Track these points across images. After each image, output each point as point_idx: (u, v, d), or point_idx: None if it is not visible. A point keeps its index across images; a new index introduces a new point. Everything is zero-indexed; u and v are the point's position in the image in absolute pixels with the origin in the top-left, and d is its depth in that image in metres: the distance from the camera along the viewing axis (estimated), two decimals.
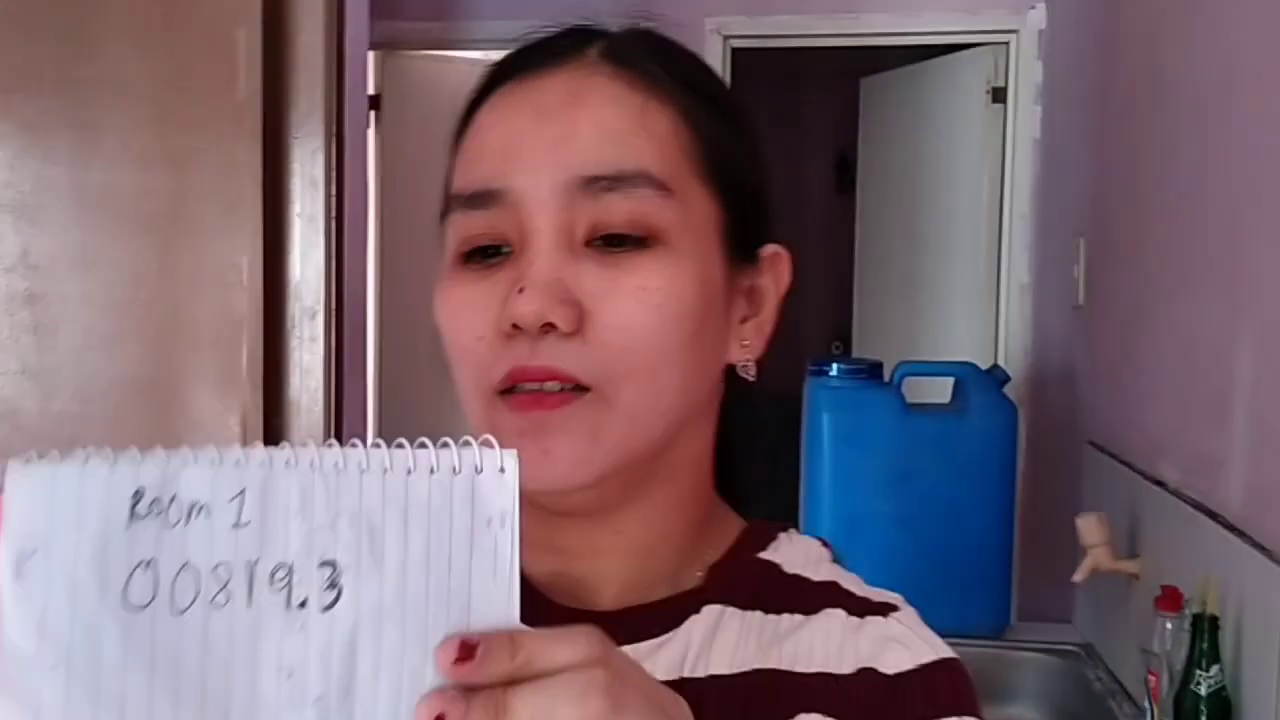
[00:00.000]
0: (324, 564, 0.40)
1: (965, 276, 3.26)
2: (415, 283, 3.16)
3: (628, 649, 0.61)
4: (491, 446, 0.41)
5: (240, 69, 1.77)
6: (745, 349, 0.66)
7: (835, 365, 2.41)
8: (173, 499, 0.40)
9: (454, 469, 0.41)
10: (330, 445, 0.40)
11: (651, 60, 0.63)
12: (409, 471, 0.40)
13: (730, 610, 0.64)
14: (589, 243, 0.60)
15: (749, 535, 0.69)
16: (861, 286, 3.82)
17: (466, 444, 0.41)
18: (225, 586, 0.39)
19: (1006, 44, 3.17)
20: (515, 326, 0.58)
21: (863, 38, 3.32)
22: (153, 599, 0.39)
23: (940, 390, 2.47)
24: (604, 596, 0.65)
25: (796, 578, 0.67)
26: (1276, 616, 1.48)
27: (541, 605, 0.64)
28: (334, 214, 1.87)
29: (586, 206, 0.59)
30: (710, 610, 0.64)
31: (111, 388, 1.79)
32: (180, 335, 1.79)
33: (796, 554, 0.68)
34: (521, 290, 0.58)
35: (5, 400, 1.76)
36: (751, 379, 0.67)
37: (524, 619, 0.63)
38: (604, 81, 0.62)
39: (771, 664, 0.62)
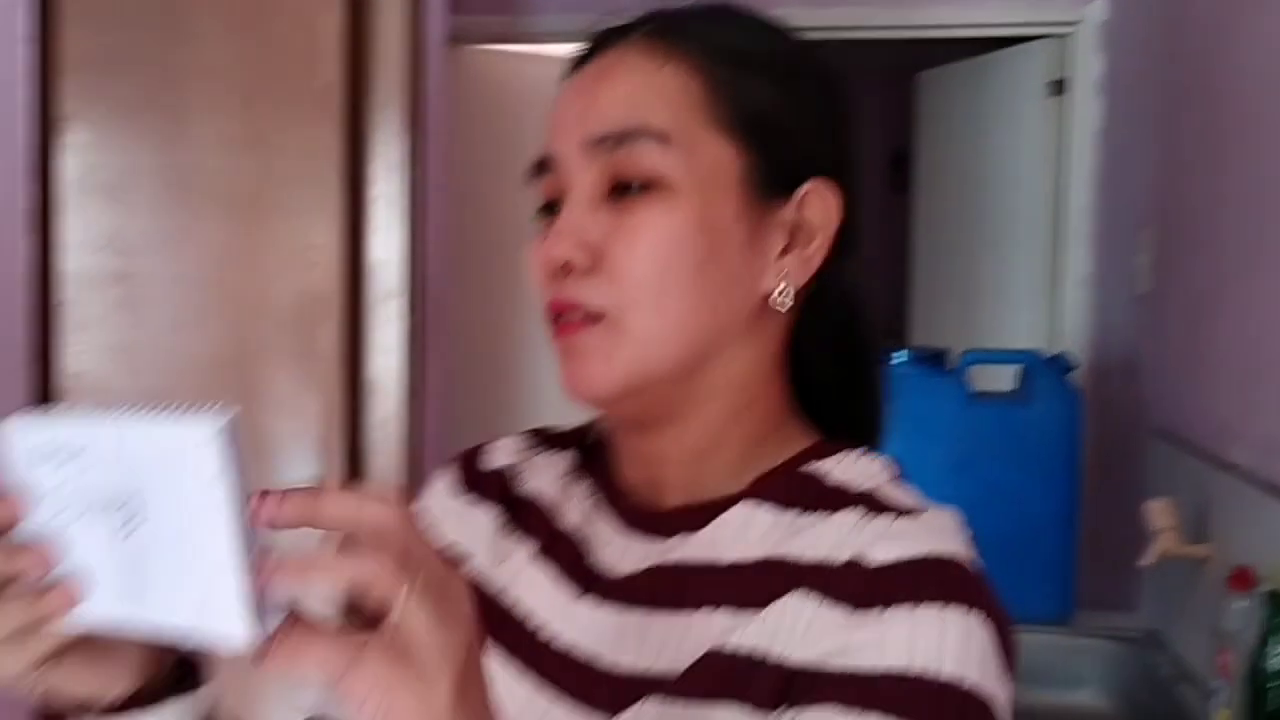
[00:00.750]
0: (124, 493, 0.54)
1: (1023, 271, 3.26)
2: (481, 266, 3.21)
3: (675, 540, 0.73)
4: (214, 414, 0.52)
5: (323, 55, 1.82)
6: (782, 279, 0.72)
7: (900, 353, 2.42)
8: (61, 447, 0.55)
9: (189, 434, 0.52)
10: (128, 410, 0.54)
11: (682, 29, 0.73)
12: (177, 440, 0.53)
13: (763, 509, 0.72)
14: (610, 193, 0.70)
15: (811, 451, 0.74)
16: (918, 283, 3.82)
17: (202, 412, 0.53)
18: (86, 501, 0.55)
19: (1066, 36, 3.17)
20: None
21: (920, 30, 3.33)
22: (58, 512, 0.56)
23: (1004, 379, 2.47)
24: (668, 497, 0.75)
25: (837, 488, 0.72)
26: None
27: (623, 504, 0.76)
28: (413, 197, 1.91)
29: (601, 162, 0.70)
30: (743, 508, 0.72)
31: (197, 364, 1.84)
32: (263, 314, 1.84)
33: (850, 468, 0.73)
34: (546, 239, 0.71)
35: (97, 376, 1.82)
36: (782, 310, 0.73)
37: (613, 516, 0.76)
38: (633, 55, 0.72)
39: (781, 554, 0.69)
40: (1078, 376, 2.56)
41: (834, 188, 0.73)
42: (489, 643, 0.74)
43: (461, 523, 0.81)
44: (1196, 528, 2.06)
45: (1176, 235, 2.46)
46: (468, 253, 3.21)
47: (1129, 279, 2.74)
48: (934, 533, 0.68)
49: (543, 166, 0.74)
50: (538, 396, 3.17)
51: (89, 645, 0.60)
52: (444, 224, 2.15)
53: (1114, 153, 3.01)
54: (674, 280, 0.69)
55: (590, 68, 0.74)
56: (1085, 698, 2.22)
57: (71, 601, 0.56)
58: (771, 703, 0.65)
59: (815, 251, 0.73)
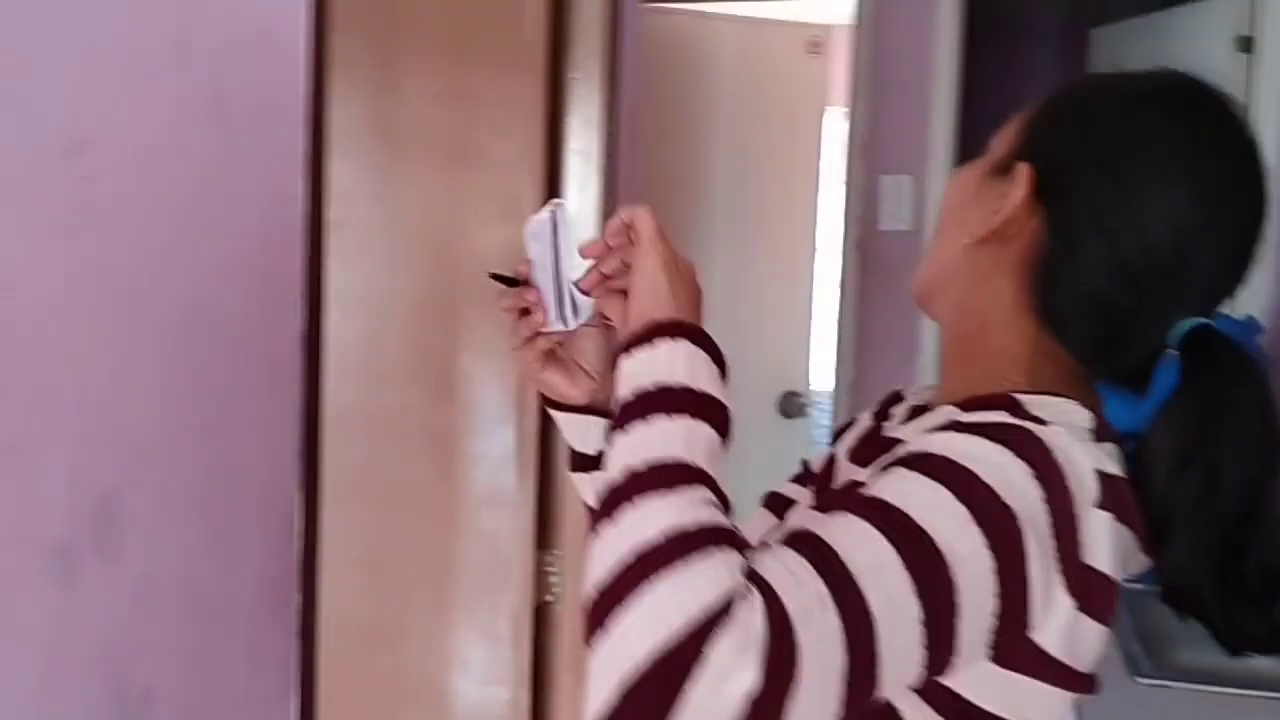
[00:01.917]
0: (541, 255, 0.96)
1: None
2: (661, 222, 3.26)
3: (906, 425, 0.93)
4: (553, 205, 0.96)
5: (527, 13, 1.87)
6: (971, 230, 0.91)
7: None
8: (534, 233, 0.96)
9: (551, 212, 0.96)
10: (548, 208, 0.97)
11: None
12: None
13: (958, 411, 0.85)
14: None
15: (1035, 390, 0.85)
16: None
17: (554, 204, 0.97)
18: (540, 262, 0.96)
19: None
20: None
21: None
22: (536, 270, 0.98)
23: None
24: (939, 398, 0.94)
25: (1019, 410, 0.82)
26: None
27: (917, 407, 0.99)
28: (608, 152, 1.96)
29: None
30: (944, 409, 0.88)
31: (405, 310, 1.93)
32: (467, 262, 1.92)
33: (1048, 406, 0.82)
34: None
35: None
36: (965, 244, 0.92)
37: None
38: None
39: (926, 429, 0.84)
40: (1264, 340, 2.51)
41: (1031, 173, 0.88)
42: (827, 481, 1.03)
43: (861, 421, 1.07)
44: None
45: None
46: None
47: None
48: (1034, 435, 0.77)
49: None
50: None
51: (562, 364, 1.00)
52: (634, 180, 2.20)
53: None
54: (940, 218, 0.97)
55: None
56: (1268, 664, 2.20)
57: (547, 321, 0.95)
58: None
59: (998, 217, 0.89)
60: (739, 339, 3.55)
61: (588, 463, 1.06)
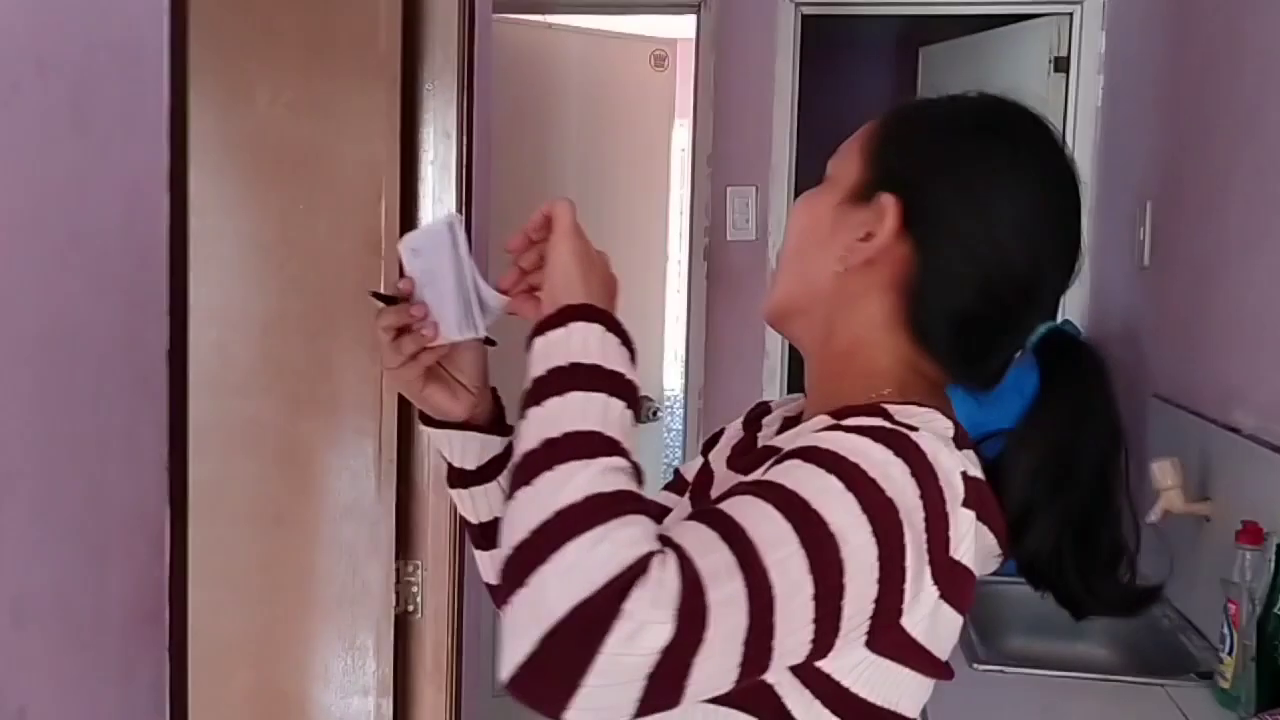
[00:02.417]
0: (433, 268, 0.95)
1: None
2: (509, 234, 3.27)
3: (780, 435, 0.96)
4: (449, 217, 0.95)
5: (381, 24, 1.88)
6: (840, 258, 0.95)
7: None
8: (415, 248, 0.96)
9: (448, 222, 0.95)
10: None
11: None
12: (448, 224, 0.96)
13: (832, 420, 0.89)
14: None
15: (903, 401, 0.90)
16: None
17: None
18: (427, 276, 0.95)
19: (1070, 14, 3.26)
20: None
21: (925, 6, 3.42)
22: (421, 285, 0.96)
23: None
24: (808, 410, 0.98)
25: (891, 419, 0.87)
26: None
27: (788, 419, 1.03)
28: (464, 163, 1.98)
29: None
30: (818, 419, 0.90)
31: (256, 323, 1.91)
32: (321, 274, 1.91)
33: (914, 414, 0.88)
34: None
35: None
36: (839, 273, 0.96)
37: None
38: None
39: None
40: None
41: (898, 205, 0.93)
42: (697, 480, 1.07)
43: (729, 430, 1.12)
44: (1199, 487, 2.18)
45: (1178, 208, 2.57)
46: (500, 220, 3.28)
47: (1130, 251, 2.85)
48: (887, 435, 0.83)
49: None
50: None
51: (442, 380, 0.99)
52: (487, 190, 2.22)
53: (1114, 128, 3.12)
54: (790, 242, 1.00)
55: None
56: (1088, 648, 2.34)
57: (435, 335, 0.94)
58: None
59: (866, 249, 0.93)
60: None
61: (467, 478, 1.06)
